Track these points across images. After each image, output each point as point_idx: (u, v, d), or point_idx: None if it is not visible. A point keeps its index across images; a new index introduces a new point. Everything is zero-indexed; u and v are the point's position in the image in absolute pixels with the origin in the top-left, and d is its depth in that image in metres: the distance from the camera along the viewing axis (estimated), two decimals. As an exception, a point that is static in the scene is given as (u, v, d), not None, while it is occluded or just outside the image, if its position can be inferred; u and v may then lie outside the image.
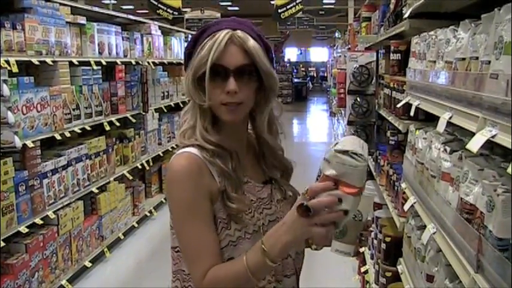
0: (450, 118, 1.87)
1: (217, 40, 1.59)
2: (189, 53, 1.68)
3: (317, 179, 1.42)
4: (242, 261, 1.50)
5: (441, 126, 1.95)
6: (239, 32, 1.61)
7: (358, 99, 4.50)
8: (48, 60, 4.66)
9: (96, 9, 5.98)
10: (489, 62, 1.52)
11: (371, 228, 4.16)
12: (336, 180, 1.36)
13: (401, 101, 2.96)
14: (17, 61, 4.13)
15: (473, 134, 1.55)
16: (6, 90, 3.80)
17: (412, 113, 2.67)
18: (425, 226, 2.24)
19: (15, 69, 4.07)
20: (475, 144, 1.47)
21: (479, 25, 1.71)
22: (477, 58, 1.68)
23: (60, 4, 5.01)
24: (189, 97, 1.70)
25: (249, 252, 1.50)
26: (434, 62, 2.26)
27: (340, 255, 1.58)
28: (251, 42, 1.61)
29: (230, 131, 1.72)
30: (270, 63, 1.67)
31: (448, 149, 2.04)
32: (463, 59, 1.83)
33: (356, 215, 1.53)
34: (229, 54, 1.59)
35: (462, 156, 1.88)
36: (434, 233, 2.06)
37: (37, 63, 4.52)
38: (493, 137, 1.42)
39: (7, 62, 3.99)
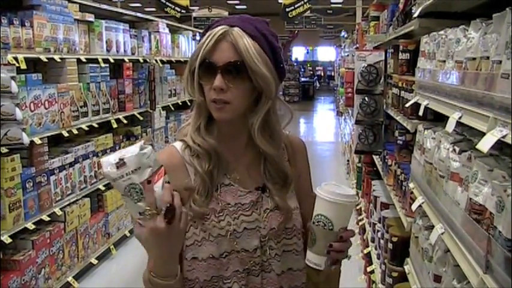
0: (460, 118, 1.86)
1: (210, 36, 1.56)
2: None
3: None
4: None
5: (450, 126, 1.94)
6: (236, 29, 1.56)
7: (366, 98, 4.48)
8: (56, 57, 4.67)
9: (104, 6, 5.98)
10: (500, 61, 1.51)
11: (377, 228, 4.15)
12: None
13: (409, 100, 2.94)
14: (25, 58, 4.14)
15: (482, 134, 1.54)
16: (14, 87, 3.81)
17: (420, 113, 2.66)
18: (433, 226, 2.22)
19: (23, 66, 4.09)
20: (485, 144, 1.46)
21: (490, 25, 1.70)
22: (488, 58, 1.66)
23: (69, 1, 5.02)
24: (187, 92, 1.68)
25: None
26: (444, 61, 2.25)
27: (312, 266, 1.52)
28: (245, 40, 1.54)
29: (224, 131, 1.68)
30: (274, 65, 1.61)
31: (457, 149, 2.03)
32: (474, 58, 1.81)
33: (326, 223, 1.47)
34: (219, 50, 1.55)
35: (471, 157, 1.86)
36: (442, 233, 2.05)
37: (45, 60, 4.53)
38: (503, 137, 1.41)
39: (15, 58, 4.00)
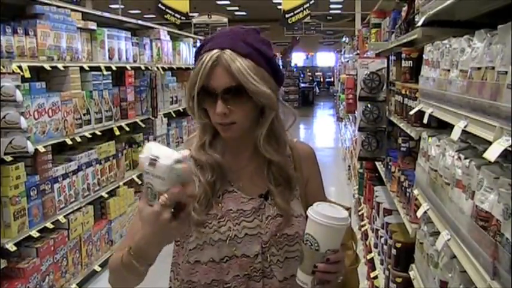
0: (465, 127, 1.89)
1: (204, 63, 1.57)
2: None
3: None
4: (124, 250, 1.52)
5: (456, 134, 1.96)
6: (227, 52, 1.57)
7: (369, 105, 4.50)
8: (60, 65, 4.70)
9: (106, 14, 6.02)
10: (506, 72, 1.54)
11: (380, 234, 4.17)
12: None
13: (413, 108, 2.97)
14: (29, 66, 4.17)
15: (487, 142, 1.56)
16: (19, 95, 3.83)
17: (425, 121, 2.68)
18: (438, 232, 2.24)
19: (27, 75, 4.11)
20: (492, 154, 1.49)
21: (495, 35, 1.72)
22: (493, 68, 1.69)
23: (72, 10, 5.06)
24: (191, 115, 1.72)
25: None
26: (449, 70, 2.27)
27: (299, 283, 1.52)
28: (238, 63, 1.56)
29: (230, 145, 1.74)
30: (272, 74, 1.64)
31: (462, 156, 2.05)
32: (479, 68, 1.83)
33: (312, 243, 1.47)
34: (215, 76, 1.57)
35: (477, 164, 1.88)
36: (448, 240, 2.07)
37: (49, 68, 4.56)
38: (510, 146, 1.43)
39: (20, 67, 4.02)
